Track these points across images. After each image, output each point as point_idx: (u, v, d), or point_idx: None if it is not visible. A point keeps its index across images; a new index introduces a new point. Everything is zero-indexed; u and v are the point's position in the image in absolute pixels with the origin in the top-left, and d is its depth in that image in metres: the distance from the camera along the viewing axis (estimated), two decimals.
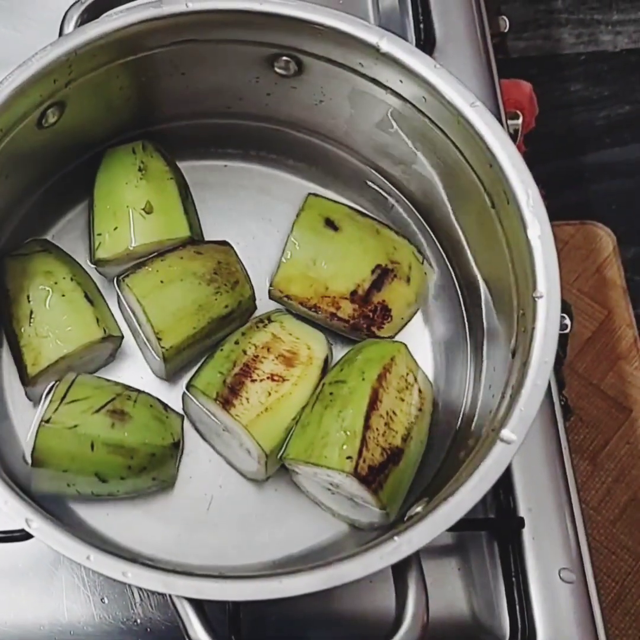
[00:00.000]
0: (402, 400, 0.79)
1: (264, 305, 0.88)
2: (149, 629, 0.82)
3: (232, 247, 0.88)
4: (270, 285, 0.86)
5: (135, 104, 0.88)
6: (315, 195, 0.89)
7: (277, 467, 0.82)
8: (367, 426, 0.76)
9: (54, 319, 0.82)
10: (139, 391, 0.82)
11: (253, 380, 0.80)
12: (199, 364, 0.85)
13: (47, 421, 0.77)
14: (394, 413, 0.78)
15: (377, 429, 0.77)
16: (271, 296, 0.87)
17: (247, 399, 0.79)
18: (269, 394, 0.80)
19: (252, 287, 0.86)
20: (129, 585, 0.81)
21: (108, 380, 0.83)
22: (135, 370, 0.87)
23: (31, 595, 0.83)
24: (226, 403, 0.79)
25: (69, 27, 0.82)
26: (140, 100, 0.88)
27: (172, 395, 0.85)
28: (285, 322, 0.84)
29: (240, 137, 0.91)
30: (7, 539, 0.78)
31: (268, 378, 0.80)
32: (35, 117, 0.78)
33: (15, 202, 0.88)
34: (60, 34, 0.82)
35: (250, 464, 0.81)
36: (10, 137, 0.76)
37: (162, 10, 0.76)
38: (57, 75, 0.76)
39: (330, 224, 0.86)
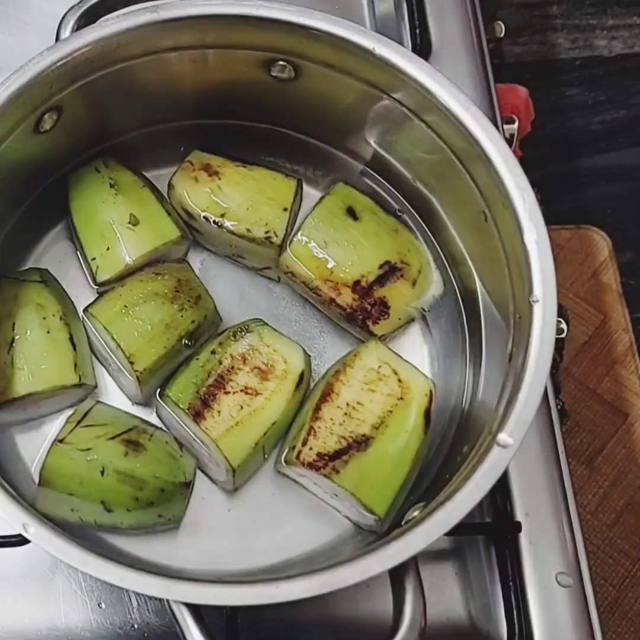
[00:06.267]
0: (372, 391, 0.80)
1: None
2: (146, 634, 0.82)
3: (188, 264, 0.88)
4: (278, 259, 0.87)
5: (128, 108, 0.88)
6: (345, 182, 0.89)
7: (246, 480, 0.83)
8: (315, 417, 0.79)
9: (33, 353, 0.81)
10: (156, 427, 0.82)
11: (226, 393, 0.80)
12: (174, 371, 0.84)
13: (61, 441, 0.77)
14: (360, 403, 0.80)
15: (331, 419, 0.79)
16: (278, 269, 0.88)
17: (219, 411, 0.79)
18: (241, 407, 0.80)
19: (213, 300, 0.86)
20: (127, 590, 0.82)
21: (126, 413, 0.83)
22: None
23: (29, 600, 0.83)
24: (197, 415, 0.79)
25: (66, 32, 0.82)
26: (133, 104, 0.88)
27: (147, 409, 0.86)
28: (263, 333, 0.84)
29: (237, 140, 0.92)
30: (4, 544, 0.78)
31: (241, 391, 0.80)
32: (32, 122, 0.78)
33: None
34: (57, 38, 0.82)
35: (220, 474, 0.81)
36: (7, 142, 0.77)
37: (159, 15, 0.76)
38: (54, 80, 0.76)
39: (351, 212, 0.87)
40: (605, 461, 1.65)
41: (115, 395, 0.86)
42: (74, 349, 0.82)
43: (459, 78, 0.94)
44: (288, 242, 0.86)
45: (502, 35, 1.20)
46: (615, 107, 2.00)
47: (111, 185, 0.87)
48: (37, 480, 0.77)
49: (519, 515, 0.84)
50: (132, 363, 0.80)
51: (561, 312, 0.74)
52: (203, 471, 0.84)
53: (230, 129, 0.92)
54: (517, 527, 0.83)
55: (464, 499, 0.65)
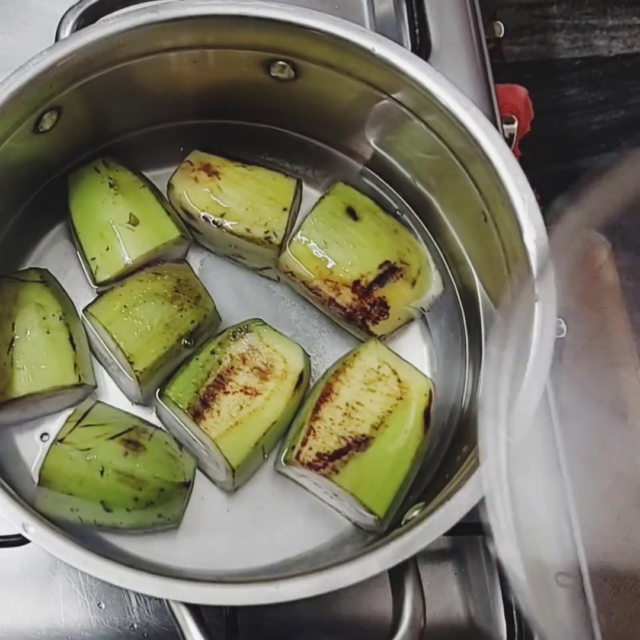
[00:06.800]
0: (372, 391, 0.81)
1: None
2: (145, 634, 0.82)
3: (188, 264, 0.89)
4: (278, 259, 0.87)
5: (128, 108, 0.88)
6: (345, 182, 0.89)
7: (246, 480, 0.83)
8: (314, 417, 0.79)
9: (33, 354, 0.80)
10: (156, 427, 0.82)
11: (226, 393, 0.80)
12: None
13: (61, 441, 0.77)
14: (359, 403, 0.80)
15: (331, 419, 0.79)
16: (278, 269, 0.88)
17: (218, 411, 0.79)
18: (241, 407, 0.80)
19: (213, 300, 0.86)
20: (126, 590, 0.82)
21: (126, 413, 0.83)
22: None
23: (28, 600, 0.83)
24: (197, 415, 0.79)
25: (66, 32, 0.82)
26: (133, 104, 0.88)
27: (147, 409, 0.86)
28: (263, 333, 0.83)
29: (237, 140, 0.92)
30: (4, 544, 0.78)
31: (241, 391, 0.80)
32: (32, 122, 0.78)
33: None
34: (57, 38, 0.82)
35: (219, 474, 0.81)
36: (7, 142, 0.77)
37: (159, 15, 0.76)
38: (53, 80, 0.76)
39: (351, 212, 0.87)
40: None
41: (115, 395, 0.86)
42: (74, 349, 0.82)
43: (459, 78, 0.94)
44: (288, 242, 0.86)
45: (502, 35, 1.20)
46: (615, 107, 2.00)
47: (111, 185, 0.87)
48: (37, 480, 0.77)
49: None
50: (131, 363, 0.80)
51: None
52: (203, 471, 0.84)
53: (230, 129, 0.92)
54: None
55: (464, 498, 0.65)
